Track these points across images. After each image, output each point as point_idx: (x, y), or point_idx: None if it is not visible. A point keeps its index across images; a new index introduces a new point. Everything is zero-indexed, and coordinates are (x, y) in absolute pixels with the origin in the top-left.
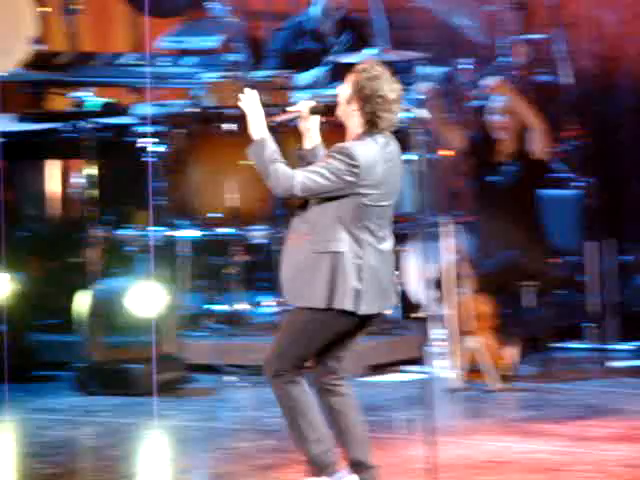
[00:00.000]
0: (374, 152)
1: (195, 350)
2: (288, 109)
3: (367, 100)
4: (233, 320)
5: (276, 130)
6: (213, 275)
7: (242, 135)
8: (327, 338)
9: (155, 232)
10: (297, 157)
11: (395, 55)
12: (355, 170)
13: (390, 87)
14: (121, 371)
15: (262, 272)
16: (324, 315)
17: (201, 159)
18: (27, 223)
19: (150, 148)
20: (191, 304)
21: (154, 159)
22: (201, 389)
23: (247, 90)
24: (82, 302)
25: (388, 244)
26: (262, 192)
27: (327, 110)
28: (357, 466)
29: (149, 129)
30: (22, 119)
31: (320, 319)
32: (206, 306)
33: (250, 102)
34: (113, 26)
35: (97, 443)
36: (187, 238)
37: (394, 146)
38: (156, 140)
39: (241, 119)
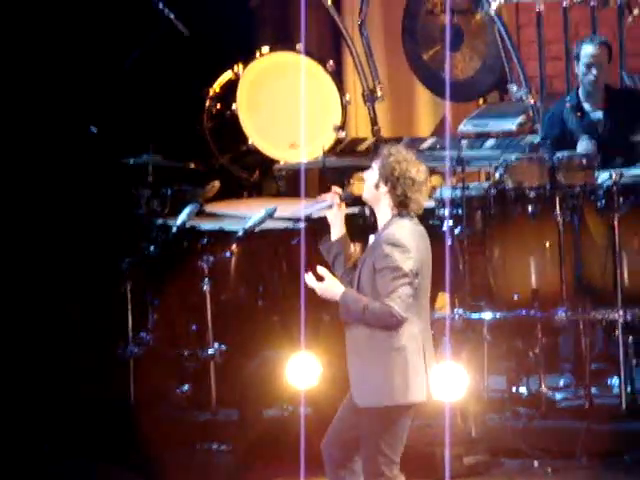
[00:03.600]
0: (412, 232)
1: (500, 433)
2: (318, 197)
3: (397, 182)
4: (537, 403)
5: None
6: (516, 357)
7: (542, 217)
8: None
9: (455, 314)
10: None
11: None
12: (410, 255)
13: (417, 169)
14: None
15: (565, 354)
16: (404, 409)
17: (501, 240)
18: None
19: (449, 231)
20: (494, 387)
21: (453, 241)
22: (508, 473)
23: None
24: None
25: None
26: (563, 273)
27: (357, 198)
28: None
29: (447, 211)
30: None
31: (402, 412)
32: (510, 389)
33: (322, 291)
34: (414, 111)
35: None
36: (488, 320)
37: (421, 226)
38: (455, 223)
39: (540, 200)
